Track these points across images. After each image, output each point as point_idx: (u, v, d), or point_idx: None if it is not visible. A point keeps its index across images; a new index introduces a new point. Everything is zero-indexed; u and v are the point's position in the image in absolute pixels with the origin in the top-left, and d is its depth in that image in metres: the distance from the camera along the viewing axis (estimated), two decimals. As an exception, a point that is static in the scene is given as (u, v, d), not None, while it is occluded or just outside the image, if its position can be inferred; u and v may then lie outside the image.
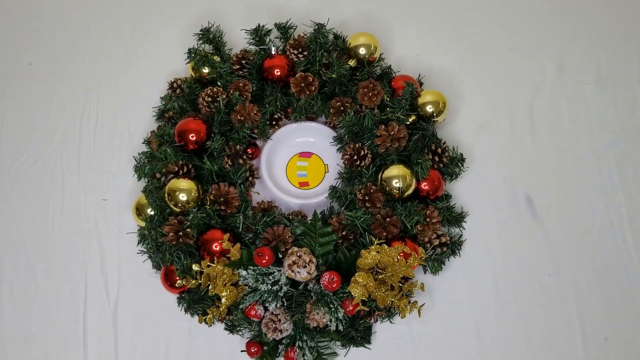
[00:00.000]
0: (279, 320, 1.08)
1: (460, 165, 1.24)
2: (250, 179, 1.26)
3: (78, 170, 1.36)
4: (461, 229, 1.24)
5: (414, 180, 1.15)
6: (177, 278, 1.14)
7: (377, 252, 1.06)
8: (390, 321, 1.17)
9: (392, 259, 1.06)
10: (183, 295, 1.15)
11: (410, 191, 1.16)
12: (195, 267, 1.10)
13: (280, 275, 1.08)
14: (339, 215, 1.17)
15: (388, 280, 1.08)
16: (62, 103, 1.42)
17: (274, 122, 1.30)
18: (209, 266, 1.09)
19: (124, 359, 1.19)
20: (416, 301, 1.10)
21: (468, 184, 1.29)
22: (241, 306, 1.09)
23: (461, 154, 1.26)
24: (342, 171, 1.23)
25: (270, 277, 1.08)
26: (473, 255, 1.23)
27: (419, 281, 1.11)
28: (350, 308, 1.08)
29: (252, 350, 1.12)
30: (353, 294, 1.05)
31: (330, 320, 1.09)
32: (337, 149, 1.26)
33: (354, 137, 1.25)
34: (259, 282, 1.07)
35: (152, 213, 1.18)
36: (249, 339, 1.15)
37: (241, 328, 1.15)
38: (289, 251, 1.09)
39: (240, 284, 1.10)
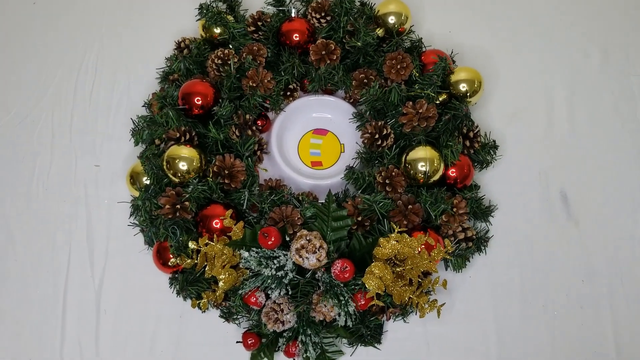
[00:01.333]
0: (282, 311, 0.97)
1: (492, 153, 1.13)
2: (258, 153, 1.14)
3: (70, 131, 1.25)
4: (488, 224, 1.13)
5: (442, 165, 1.04)
6: (171, 256, 1.03)
7: (397, 241, 0.95)
8: (404, 320, 1.06)
9: (413, 250, 0.95)
10: (176, 275, 1.04)
11: (436, 177, 1.04)
12: (191, 245, 0.98)
13: (287, 260, 0.97)
14: (354, 199, 1.05)
15: (407, 274, 0.97)
16: (59, 55, 1.31)
17: (288, 93, 1.19)
18: (207, 244, 0.98)
19: (105, 343, 1.08)
20: (436, 300, 0.99)
21: (498, 175, 1.18)
22: (240, 292, 0.98)
23: (494, 141, 1.14)
24: (361, 151, 1.12)
25: (275, 262, 0.96)
26: (499, 254, 1.12)
27: (440, 277, 1.00)
28: (363, 302, 0.97)
29: (249, 342, 1.01)
30: (367, 287, 0.93)
31: (339, 315, 0.97)
32: (357, 127, 1.15)
33: (376, 115, 1.13)
34: (262, 266, 0.95)
35: (148, 182, 1.07)
36: (246, 329, 1.04)
37: (238, 316, 1.04)
38: (298, 234, 0.98)
39: (241, 267, 0.98)
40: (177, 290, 1.04)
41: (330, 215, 1.00)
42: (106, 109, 1.26)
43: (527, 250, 1.13)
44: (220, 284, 0.98)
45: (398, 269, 0.97)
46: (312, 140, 1.22)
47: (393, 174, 1.05)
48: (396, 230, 0.95)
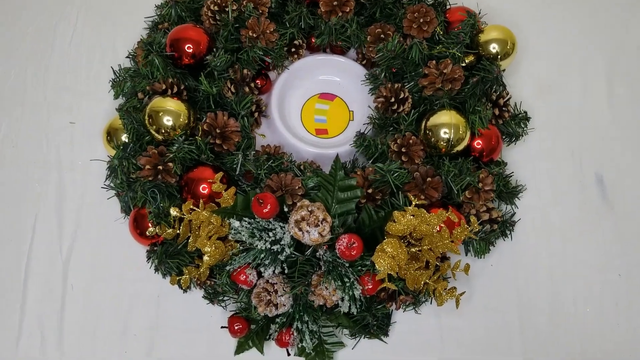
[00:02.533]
0: (275, 292, 0.84)
1: (523, 126, 1.00)
2: (256, 115, 1.01)
3: (44, 85, 1.12)
4: (514, 206, 1.00)
5: (468, 133, 0.90)
6: (150, 225, 0.89)
7: (414, 216, 0.81)
8: (415, 310, 0.93)
9: (432, 228, 0.81)
10: (155, 248, 0.90)
11: (460, 146, 0.91)
12: (173, 212, 0.85)
13: (284, 233, 0.84)
14: (364, 169, 0.92)
15: (423, 256, 0.84)
16: (37, 1, 1.17)
17: (293, 50, 1.05)
18: (191, 211, 0.84)
19: (71, 323, 0.94)
20: (455, 288, 0.85)
21: (527, 152, 1.05)
22: (228, 268, 0.85)
23: (525, 112, 1.01)
24: (374, 116, 0.98)
25: (270, 234, 0.83)
26: (526, 240, 0.99)
27: (462, 262, 0.86)
28: (370, 286, 0.84)
29: (236, 328, 0.88)
30: (377, 267, 0.80)
31: (342, 300, 0.84)
32: (370, 90, 1.02)
33: (392, 77, 1.00)
34: (255, 239, 0.82)
35: (127, 140, 0.93)
36: (233, 313, 0.90)
37: (225, 297, 0.91)
38: (298, 204, 0.84)
39: (230, 239, 0.85)
40: (155, 265, 0.90)
41: (337, 185, 0.87)
42: (87, 63, 1.13)
43: (557, 237, 1.00)
44: (205, 258, 0.85)
45: (413, 250, 0.84)
46: (317, 105, 1.09)
47: (410, 141, 0.92)
48: (414, 204, 0.82)
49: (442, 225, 0.83)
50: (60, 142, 1.06)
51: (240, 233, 0.83)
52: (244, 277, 0.85)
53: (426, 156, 0.94)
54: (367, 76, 1.03)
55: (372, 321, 0.89)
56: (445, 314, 0.94)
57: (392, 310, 0.93)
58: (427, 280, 0.84)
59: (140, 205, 0.90)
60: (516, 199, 1.00)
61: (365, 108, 1.06)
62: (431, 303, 0.91)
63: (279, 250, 0.83)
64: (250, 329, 0.89)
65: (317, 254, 0.86)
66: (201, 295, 0.93)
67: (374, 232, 0.85)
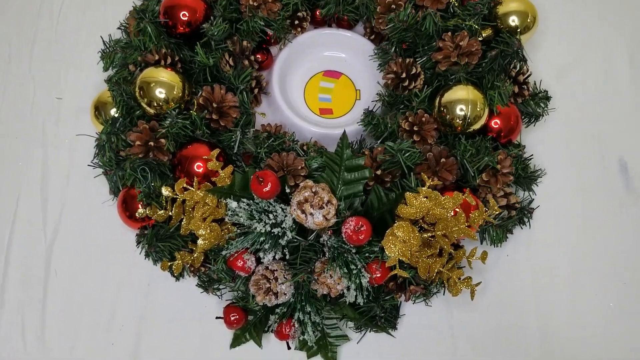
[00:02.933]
0: (275, 279, 0.77)
1: (543, 106, 0.93)
2: (256, 92, 0.95)
3: (30, 57, 1.05)
4: (531, 192, 0.93)
5: (486, 110, 0.84)
6: (139, 206, 0.83)
7: (427, 198, 0.75)
8: (426, 302, 0.86)
9: (447, 211, 0.75)
10: (145, 231, 0.84)
11: (477, 125, 0.85)
12: (165, 192, 0.79)
13: (285, 216, 0.77)
14: (372, 150, 0.86)
15: (436, 242, 0.77)
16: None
17: (296, 22, 0.99)
18: (185, 190, 0.78)
19: (53, 312, 0.88)
20: (470, 277, 0.79)
21: (545, 135, 0.99)
22: (224, 253, 0.78)
23: (546, 92, 0.94)
24: (383, 93, 0.92)
25: (271, 217, 0.76)
26: (544, 229, 0.93)
27: (478, 249, 0.80)
28: (379, 274, 0.77)
29: (232, 318, 0.81)
30: (387, 252, 0.74)
31: (348, 288, 0.77)
32: (378, 66, 0.95)
33: (403, 52, 0.93)
34: (254, 221, 0.75)
35: (116, 114, 0.86)
36: (229, 302, 0.84)
37: (220, 286, 0.84)
38: (302, 184, 0.78)
39: (227, 221, 0.78)
40: (145, 250, 0.84)
41: (343, 165, 0.80)
42: (76, 34, 1.06)
43: (578, 227, 0.94)
44: (200, 242, 0.78)
45: (425, 235, 0.78)
46: (322, 83, 1.02)
47: (423, 120, 0.85)
48: (427, 184, 0.75)
49: (458, 208, 0.76)
50: (46, 117, 0.99)
51: (237, 215, 0.77)
52: (242, 263, 0.78)
53: (439, 136, 0.87)
54: (375, 51, 0.96)
55: (380, 313, 0.82)
56: (457, 307, 0.88)
57: (400, 301, 0.86)
58: (441, 269, 0.77)
59: (129, 184, 0.84)
60: (534, 185, 0.93)
61: (373, 87, 0.99)
62: (444, 294, 0.84)
63: (280, 234, 0.77)
64: (247, 320, 0.83)
65: (321, 239, 0.79)
66: (195, 284, 0.87)
67: (383, 215, 0.78)
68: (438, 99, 0.86)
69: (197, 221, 0.77)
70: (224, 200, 0.77)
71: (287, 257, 0.78)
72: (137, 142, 0.82)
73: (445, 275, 0.77)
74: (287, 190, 0.79)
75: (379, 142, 0.89)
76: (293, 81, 1.02)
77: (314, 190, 0.77)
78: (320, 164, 0.86)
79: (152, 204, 0.81)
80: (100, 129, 0.88)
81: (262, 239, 0.76)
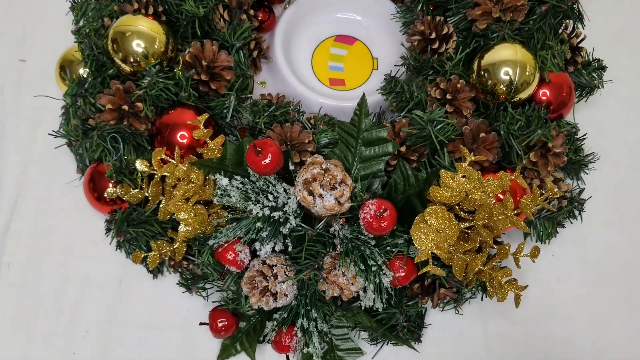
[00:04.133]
0: (274, 277, 0.63)
1: (597, 77, 0.79)
2: (255, 55, 0.81)
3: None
4: (580, 182, 0.79)
5: (537, 75, 0.70)
6: (109, 184, 0.69)
7: (465, 177, 0.61)
8: (456, 309, 0.72)
9: (491, 196, 0.61)
10: (115, 214, 0.69)
11: (525, 93, 0.71)
12: (140, 166, 0.65)
13: (288, 198, 0.63)
14: (393, 124, 0.72)
15: (475, 234, 0.63)
16: None
17: (304, -24, 0.85)
18: (163, 163, 0.63)
19: (3, 314, 0.74)
20: (515, 279, 0.64)
21: (595, 114, 0.84)
22: (212, 242, 0.64)
23: (600, 60, 0.80)
24: (407, 56, 0.78)
25: (271, 198, 0.62)
26: (597, 225, 0.79)
27: (526, 244, 0.66)
28: (403, 273, 0.63)
29: (220, 325, 0.67)
30: (416, 244, 0.59)
31: (364, 290, 0.63)
32: (402, 27, 0.81)
33: (430, 11, 0.80)
34: (250, 203, 0.61)
35: (85, 74, 0.72)
36: (216, 305, 0.69)
37: (206, 284, 0.69)
38: (309, 160, 0.63)
39: (216, 203, 0.64)
40: (115, 239, 0.69)
41: (361, 137, 0.66)
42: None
43: (637, 223, 0.79)
44: (181, 228, 0.64)
45: (462, 225, 0.63)
46: (332, 50, 0.89)
47: (458, 86, 0.71)
48: (468, 160, 0.61)
49: (504, 192, 0.62)
50: (6, 81, 0.85)
51: (229, 195, 0.62)
52: (233, 255, 0.64)
53: (476, 109, 0.74)
54: (398, 9, 0.82)
55: (402, 322, 0.68)
56: (493, 316, 0.74)
57: (426, 308, 0.72)
58: (482, 267, 0.63)
59: (96, 158, 0.69)
60: (584, 171, 0.79)
61: (393, 55, 0.86)
62: (482, 299, 0.70)
63: (281, 219, 0.62)
64: (238, 327, 0.68)
65: (332, 229, 0.65)
66: (176, 282, 0.72)
67: (409, 200, 0.64)
68: (477, 62, 0.72)
69: (178, 202, 0.62)
70: (213, 177, 0.63)
71: (290, 249, 0.64)
72: (109, 106, 0.68)
73: (486, 275, 0.63)
74: (291, 168, 0.65)
75: (402, 114, 0.74)
76: (299, 46, 0.88)
77: (324, 167, 0.63)
78: (332, 139, 0.72)
79: (124, 182, 0.67)
80: (64, 88, 0.74)
81: (258, 225, 0.61)
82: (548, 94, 0.74)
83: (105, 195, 0.69)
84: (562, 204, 0.73)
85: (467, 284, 0.67)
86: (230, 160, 0.64)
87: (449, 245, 0.60)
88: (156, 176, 0.66)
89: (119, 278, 0.75)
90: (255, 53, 0.81)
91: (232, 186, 0.62)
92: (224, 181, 0.62)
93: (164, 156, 0.64)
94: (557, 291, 0.76)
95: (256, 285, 0.63)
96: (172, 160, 0.64)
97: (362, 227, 0.62)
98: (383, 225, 0.60)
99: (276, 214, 0.61)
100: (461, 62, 0.74)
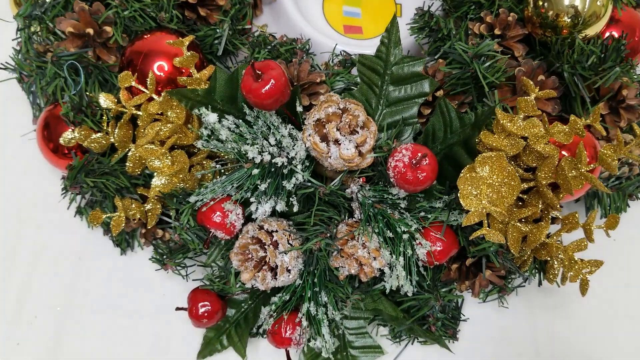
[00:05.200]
0: (274, 245, 0.48)
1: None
2: (256, -10, 0.67)
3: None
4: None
5: (610, 7, 0.56)
6: (69, 129, 0.54)
7: (524, 122, 0.47)
8: (501, 301, 0.57)
9: (557, 148, 0.47)
10: (71, 165, 0.55)
11: (594, 28, 0.57)
12: (104, 101, 0.50)
13: (295, 145, 0.48)
14: (426, 70, 0.58)
15: (534, 199, 0.49)
16: None
17: None
18: (128, 91, 0.49)
19: None
20: (586, 263, 0.50)
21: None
22: (194, 199, 0.49)
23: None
24: (443, -10, 0.64)
25: (271, 141, 0.47)
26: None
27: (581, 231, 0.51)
28: (440, 247, 0.48)
29: (202, 311, 0.52)
30: (463, 204, 0.45)
31: (390, 267, 0.49)
32: (434, -40, 0.68)
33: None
34: (245, 144, 0.47)
35: (44, -7, 0.58)
36: (198, 285, 0.54)
37: (186, 258, 0.55)
38: (323, 98, 0.49)
39: (201, 149, 0.49)
40: (76, 208, 0.55)
41: (389, 72, 0.52)
42: None
43: None
44: (155, 180, 0.49)
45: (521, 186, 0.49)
46: (348, -7, 0.75)
47: (509, 21, 0.58)
48: (532, 95, 0.47)
49: (573, 143, 0.48)
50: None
51: (218, 137, 0.48)
52: (220, 216, 0.49)
53: (528, 52, 0.60)
54: (430, -60, 0.68)
55: (437, 312, 0.53)
56: (543, 311, 0.60)
57: (462, 298, 0.58)
58: (546, 240, 0.48)
59: (50, 92, 0.55)
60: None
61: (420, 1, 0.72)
62: (541, 283, 0.55)
63: (285, 171, 0.48)
64: (225, 314, 0.54)
65: (348, 190, 0.51)
66: (148, 257, 0.57)
67: (452, 152, 0.50)
68: (532, -10, 0.58)
69: (149, 137, 0.48)
70: (197, 112, 0.49)
71: (295, 209, 0.49)
72: (69, 29, 0.54)
73: (552, 249, 0.48)
74: (299, 109, 0.51)
75: (437, 57, 0.60)
76: (307, -13, 0.74)
77: (342, 106, 0.49)
78: (349, 83, 0.58)
79: (85, 124, 0.53)
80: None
81: (255, 172, 0.47)
82: (616, 36, 0.60)
83: (61, 140, 0.54)
84: (633, 170, 0.59)
85: (521, 265, 0.52)
86: (221, 94, 0.50)
87: (508, 205, 0.46)
88: (125, 115, 0.51)
89: (77, 252, 0.61)
90: (256, -12, 0.68)
91: (222, 126, 0.48)
92: (211, 117, 0.48)
93: (133, 84, 0.49)
94: (622, 282, 0.62)
95: (250, 256, 0.49)
96: (145, 90, 0.49)
97: (391, 178, 0.47)
98: (420, 176, 0.46)
99: (279, 160, 0.47)
100: (511, -8, 0.60)
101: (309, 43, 0.64)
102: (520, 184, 0.45)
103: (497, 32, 0.58)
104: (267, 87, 0.45)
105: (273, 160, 0.47)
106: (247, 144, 0.47)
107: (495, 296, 0.58)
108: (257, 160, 0.47)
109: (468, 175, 0.45)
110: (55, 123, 0.57)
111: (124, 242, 0.59)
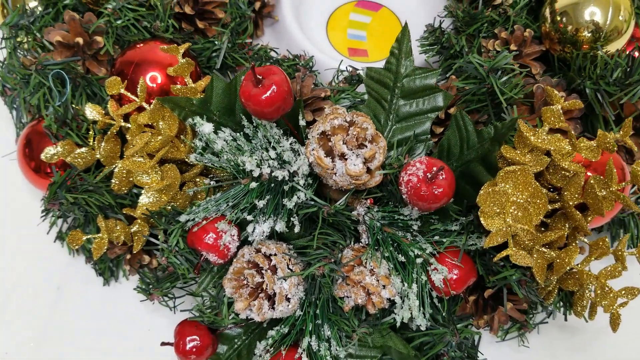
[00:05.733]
0: (272, 269, 0.43)
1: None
2: (257, 6, 0.64)
3: None
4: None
5: (633, 21, 0.53)
6: (51, 144, 0.50)
7: (548, 136, 0.43)
8: (521, 340, 0.52)
9: (581, 168, 0.43)
10: (52, 182, 0.50)
11: (616, 44, 0.54)
12: (91, 112, 0.47)
13: (297, 158, 0.44)
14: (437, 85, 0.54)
15: (561, 221, 0.44)
16: None
17: None
18: (121, 104, 0.45)
19: None
20: (616, 293, 0.45)
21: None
22: (184, 218, 0.44)
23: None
24: (453, 5, 0.61)
25: (272, 153, 0.43)
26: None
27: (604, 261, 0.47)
28: (456, 274, 0.44)
29: (190, 346, 0.47)
30: (484, 224, 0.40)
31: (401, 298, 0.44)
32: (442, -20, 0.66)
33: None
34: (244, 155, 0.42)
35: (35, 1, 0.55)
36: (187, 317, 0.49)
37: (174, 285, 0.50)
38: (329, 109, 0.46)
39: (194, 162, 0.45)
40: (56, 233, 0.50)
41: (399, 85, 0.48)
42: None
43: None
44: (142, 198, 0.45)
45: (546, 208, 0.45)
46: (352, 16, 0.73)
47: (525, 37, 0.54)
48: (558, 105, 0.43)
49: (600, 164, 0.44)
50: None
51: (212, 149, 0.44)
52: (213, 237, 0.44)
53: (547, 67, 0.57)
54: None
55: (454, 348, 0.47)
56: (567, 353, 0.54)
57: (480, 335, 0.52)
58: (576, 267, 0.44)
59: (35, 109, 0.51)
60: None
61: (423, 18, 0.69)
62: (567, 318, 0.50)
63: (286, 185, 0.43)
64: (215, 349, 0.48)
65: (354, 212, 0.46)
66: (133, 287, 0.52)
67: (469, 169, 0.46)
68: (547, 7, 0.55)
69: (139, 158, 0.44)
70: (191, 122, 0.45)
71: (298, 228, 0.44)
72: (57, 39, 0.50)
73: (583, 276, 0.43)
74: (302, 123, 0.47)
75: (449, 74, 0.57)
76: (312, 8, 0.72)
77: (348, 119, 0.45)
78: (354, 102, 0.54)
79: (68, 137, 0.49)
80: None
81: (253, 186, 0.42)
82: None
83: (42, 157, 0.50)
84: (662, 196, 0.55)
85: (545, 296, 0.47)
86: (218, 104, 0.46)
87: (531, 231, 0.41)
88: (112, 127, 0.47)
89: (56, 282, 0.56)
90: (257, 4, 0.65)
91: (218, 137, 0.44)
92: (206, 127, 0.44)
93: (122, 91, 0.45)
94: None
95: (245, 282, 0.44)
96: (135, 99, 0.45)
97: (404, 195, 0.43)
98: (437, 192, 0.41)
99: (279, 174, 0.43)
100: (526, 9, 0.58)
101: (313, 60, 0.60)
102: (547, 201, 0.41)
103: (512, 47, 0.55)
104: (268, 94, 0.41)
105: (273, 174, 0.43)
106: (245, 154, 0.43)
107: (514, 334, 0.53)
108: (256, 174, 0.42)
109: (490, 190, 0.41)
110: (38, 140, 0.53)
111: (107, 271, 0.54)
